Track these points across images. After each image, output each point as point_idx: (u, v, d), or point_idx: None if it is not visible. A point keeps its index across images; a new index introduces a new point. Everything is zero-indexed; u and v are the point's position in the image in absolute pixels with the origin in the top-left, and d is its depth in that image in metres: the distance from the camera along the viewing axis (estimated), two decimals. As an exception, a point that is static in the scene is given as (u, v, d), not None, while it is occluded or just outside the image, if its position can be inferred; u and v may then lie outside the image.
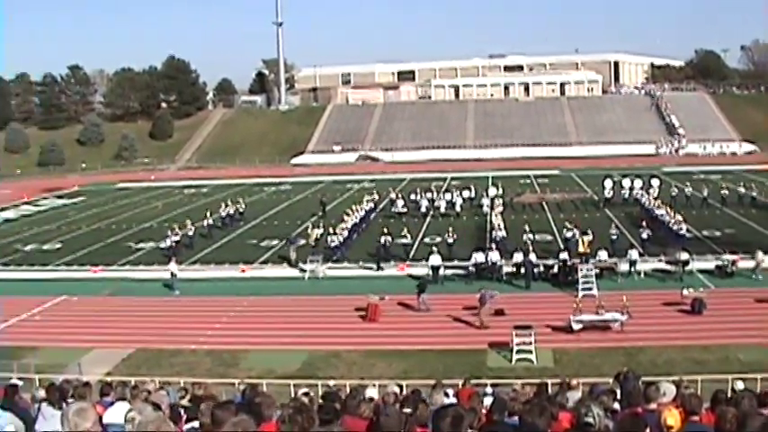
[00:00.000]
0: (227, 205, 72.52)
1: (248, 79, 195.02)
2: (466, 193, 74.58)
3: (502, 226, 56.97)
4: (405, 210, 70.60)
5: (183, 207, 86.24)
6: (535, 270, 47.50)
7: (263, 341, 38.51)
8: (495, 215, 61.53)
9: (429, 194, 74.35)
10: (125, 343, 39.14)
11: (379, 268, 52.08)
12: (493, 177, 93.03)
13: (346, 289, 47.30)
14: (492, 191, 75.23)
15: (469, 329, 38.48)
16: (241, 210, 74.06)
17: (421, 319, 40.73)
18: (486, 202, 71.20)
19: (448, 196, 73.46)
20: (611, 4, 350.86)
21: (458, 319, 40.06)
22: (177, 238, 59.88)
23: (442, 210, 70.45)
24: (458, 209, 70.75)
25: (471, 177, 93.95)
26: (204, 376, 30.34)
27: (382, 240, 54.94)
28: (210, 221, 67.80)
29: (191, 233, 62.20)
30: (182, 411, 12.15)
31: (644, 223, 55.84)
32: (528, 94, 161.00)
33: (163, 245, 61.68)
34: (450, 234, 55.34)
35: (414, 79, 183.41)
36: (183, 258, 56.09)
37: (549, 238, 58.46)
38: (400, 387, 22.64)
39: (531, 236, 53.93)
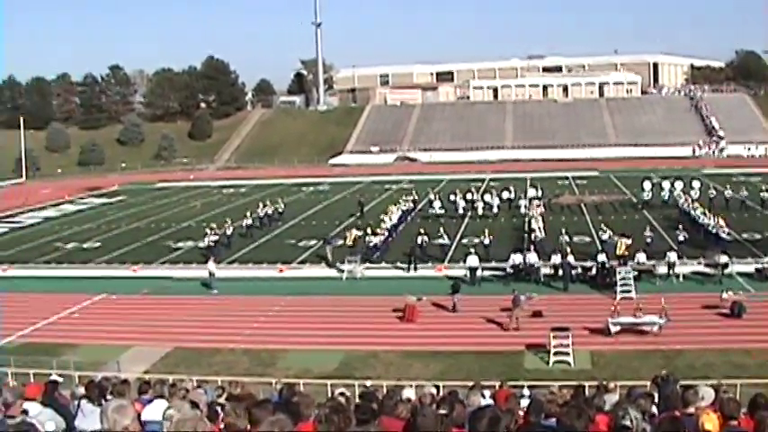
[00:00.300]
0: (265, 205, 72.71)
1: (287, 80, 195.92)
2: (505, 194, 74.20)
3: (541, 227, 56.77)
4: (442, 211, 70.34)
5: (221, 207, 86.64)
6: (573, 272, 47.30)
7: (301, 341, 38.59)
8: (535, 217, 61.18)
9: (470, 195, 73.87)
10: (163, 341, 39.40)
11: (413, 268, 52.05)
12: (531, 178, 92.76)
13: (384, 289, 47.30)
14: (531, 192, 74.94)
15: (506, 330, 38.33)
16: (280, 209, 74.11)
17: (458, 321, 40.65)
18: (523, 203, 70.90)
19: (486, 197, 73.11)
20: (650, 4, 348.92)
21: (495, 321, 39.93)
22: (216, 237, 60.13)
23: (480, 211, 70.08)
24: (495, 210, 70.46)
25: (510, 178, 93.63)
26: (242, 375, 30.42)
27: (419, 240, 54.94)
28: (249, 221, 68.02)
29: (229, 232, 62.42)
30: (219, 410, 12.21)
31: (680, 226, 55.44)
32: (567, 96, 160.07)
33: (201, 244, 62.03)
34: (486, 235, 55.23)
35: (452, 80, 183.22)
36: (221, 258, 56.38)
37: (588, 239, 58.13)
38: (437, 388, 22.63)
39: (566, 237, 53.62)
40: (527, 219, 64.05)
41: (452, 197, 73.62)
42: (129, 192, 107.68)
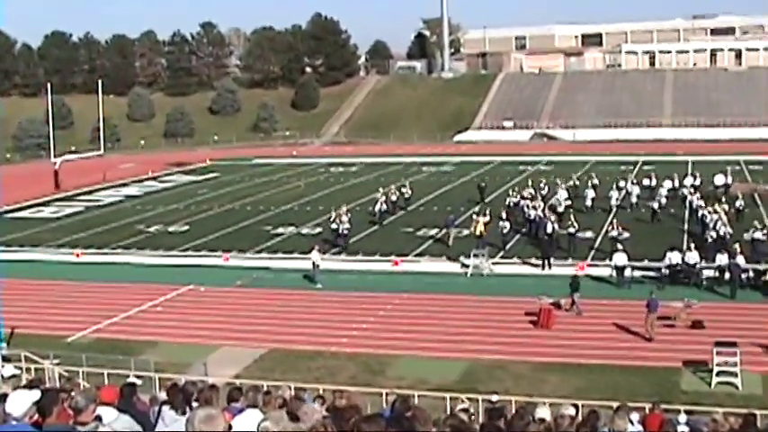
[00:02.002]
0: (386, 189, 72.23)
1: (406, 42, 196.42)
2: (667, 183, 72.26)
3: (726, 222, 54.70)
4: (569, 202, 68.18)
5: (328, 188, 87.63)
6: (743, 276, 46.31)
7: (417, 346, 38.59)
8: (713, 209, 58.81)
9: (627, 183, 72.32)
10: (257, 341, 39.93)
11: (547, 265, 51.61)
12: (693, 162, 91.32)
13: (515, 289, 47.07)
14: (719, 179, 72.95)
15: (659, 343, 37.75)
16: (407, 195, 73.72)
17: (602, 328, 40.16)
18: (655, 193, 69.01)
19: (648, 184, 71.44)
20: None
21: (644, 331, 39.28)
22: (348, 225, 59.03)
23: (613, 202, 67.93)
24: (634, 199, 68.69)
25: (667, 162, 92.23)
26: (347, 384, 30.62)
27: (548, 229, 54.59)
28: (384, 206, 67.42)
29: (345, 219, 60.24)
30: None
31: None
32: (740, 63, 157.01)
33: (304, 230, 62.69)
34: (616, 227, 54.68)
35: (600, 44, 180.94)
36: (327, 247, 56.86)
37: (763, 237, 56.66)
38: (576, 407, 22.41)
39: (726, 229, 52.28)
40: (694, 210, 62.41)
41: (622, 184, 71.86)
42: (222, 168, 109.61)
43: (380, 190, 72.46)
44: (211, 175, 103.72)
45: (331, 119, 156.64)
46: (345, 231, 58.84)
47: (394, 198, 71.77)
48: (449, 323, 41.59)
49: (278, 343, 39.60)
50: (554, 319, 40.90)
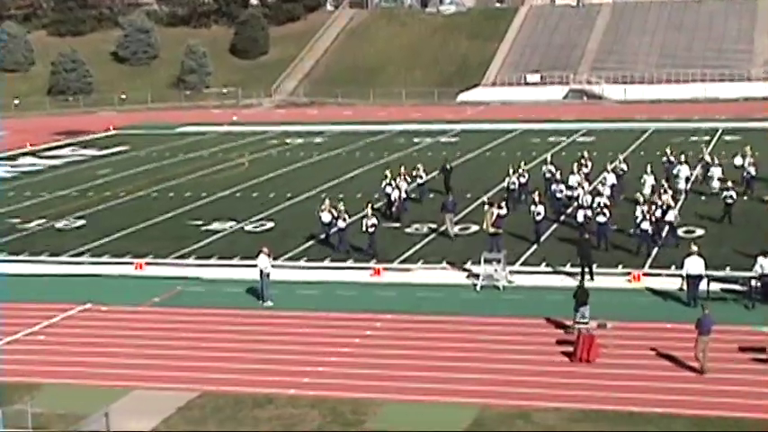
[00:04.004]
0: (392, 178, 69.36)
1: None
2: (737, 161, 72.72)
3: None
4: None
5: (284, 166, 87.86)
6: None
7: (406, 387, 38.51)
8: None
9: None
10: (183, 382, 39.72)
11: (588, 274, 51.25)
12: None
13: (541, 308, 47.13)
14: (738, 160, 73.18)
15: (744, 385, 37.59)
16: (420, 179, 73.05)
17: (664, 363, 40.04)
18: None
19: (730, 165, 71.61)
20: None
21: (727, 367, 39.29)
22: (374, 221, 58.08)
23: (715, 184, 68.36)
24: (683, 184, 68.62)
25: (756, 130, 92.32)
26: (309, 441, 30.72)
27: (580, 217, 54.77)
28: (403, 193, 67.35)
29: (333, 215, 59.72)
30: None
31: None
32: None
33: (248, 226, 62.79)
34: (646, 215, 54.76)
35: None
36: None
37: None
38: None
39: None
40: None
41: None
42: (133, 139, 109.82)
43: (387, 174, 69.99)
44: (118, 148, 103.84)
45: (286, 71, 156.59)
46: (371, 230, 58.02)
47: (404, 185, 69.78)
48: (451, 355, 41.56)
49: (212, 384, 39.44)
50: (597, 350, 40.85)
